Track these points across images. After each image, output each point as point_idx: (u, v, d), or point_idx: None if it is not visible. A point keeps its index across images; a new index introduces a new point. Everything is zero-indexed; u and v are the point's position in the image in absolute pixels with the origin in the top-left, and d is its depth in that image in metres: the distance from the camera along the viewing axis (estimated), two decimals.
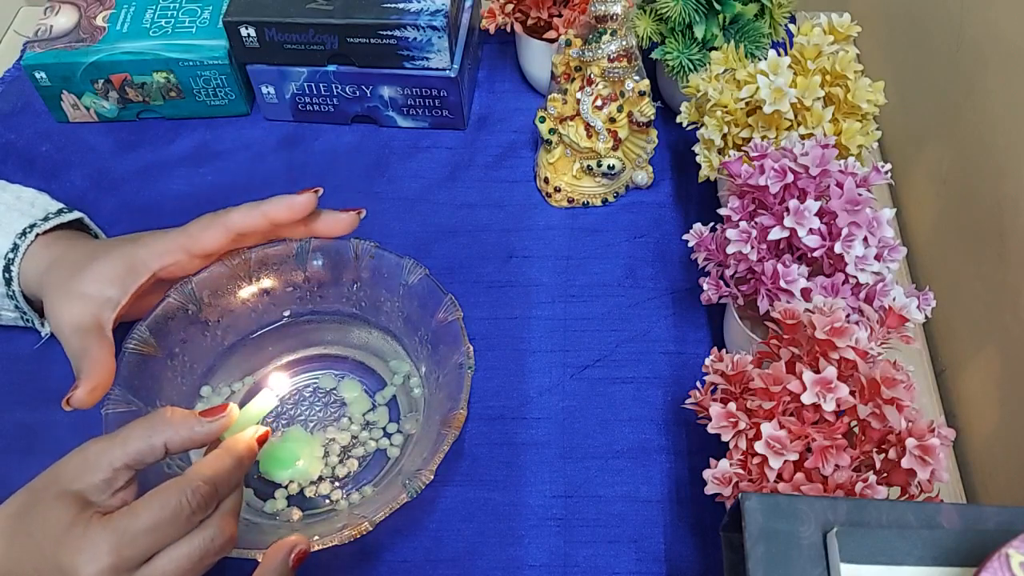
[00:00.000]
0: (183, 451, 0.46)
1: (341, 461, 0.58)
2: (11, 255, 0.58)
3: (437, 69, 0.73)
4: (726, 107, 0.60)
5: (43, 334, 0.63)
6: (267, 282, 0.62)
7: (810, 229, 0.51)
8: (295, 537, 0.47)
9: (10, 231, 0.59)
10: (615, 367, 0.64)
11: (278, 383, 0.52)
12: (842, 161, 0.54)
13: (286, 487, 0.57)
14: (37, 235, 0.59)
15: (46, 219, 0.60)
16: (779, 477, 0.46)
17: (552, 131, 0.70)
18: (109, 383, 0.53)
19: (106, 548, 0.40)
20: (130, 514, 0.41)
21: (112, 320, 0.55)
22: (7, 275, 0.58)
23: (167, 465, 0.53)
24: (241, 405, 0.49)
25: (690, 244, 0.59)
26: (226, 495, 0.45)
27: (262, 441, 0.48)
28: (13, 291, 0.59)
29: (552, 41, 0.74)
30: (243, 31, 0.72)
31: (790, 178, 0.53)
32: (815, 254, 0.52)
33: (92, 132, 0.79)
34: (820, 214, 0.52)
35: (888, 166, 0.55)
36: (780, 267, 0.52)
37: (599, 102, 0.67)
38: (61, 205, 0.63)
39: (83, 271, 0.56)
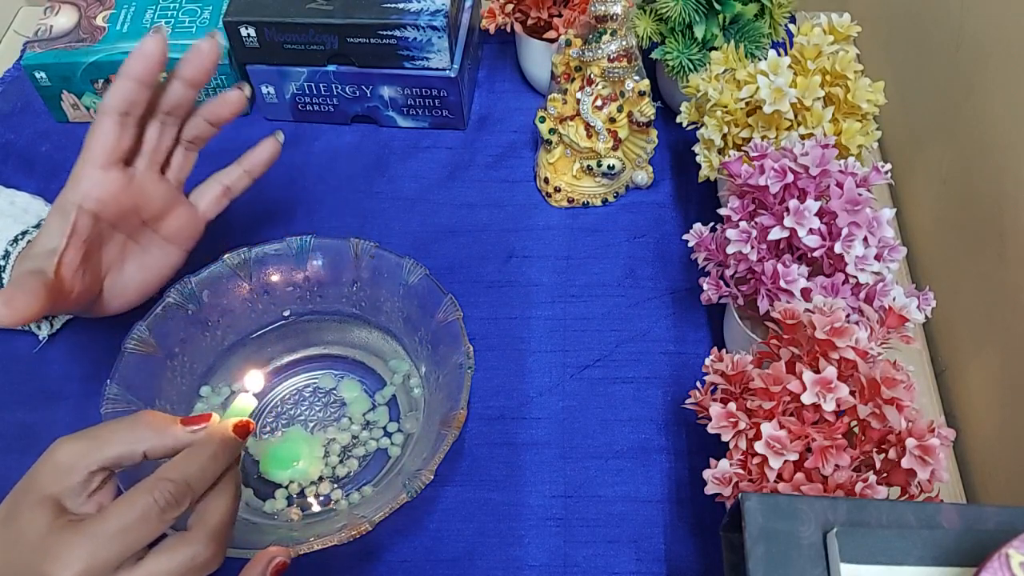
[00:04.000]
0: (163, 458, 0.45)
1: (341, 461, 0.58)
2: (2, 262, 0.58)
3: (437, 69, 0.73)
4: (726, 107, 0.60)
5: (40, 338, 0.63)
6: (267, 282, 0.62)
7: (810, 229, 0.51)
8: (275, 548, 0.45)
9: (2, 237, 0.58)
10: (615, 367, 0.64)
11: (253, 382, 0.50)
12: (842, 161, 0.54)
13: (286, 487, 0.57)
14: (29, 243, 0.58)
15: (39, 226, 0.60)
16: (779, 477, 0.46)
17: (552, 131, 0.70)
18: (34, 306, 0.49)
19: (79, 553, 0.39)
20: (100, 518, 0.40)
21: (52, 266, 0.51)
22: None
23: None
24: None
25: (690, 244, 0.59)
26: (202, 491, 0.42)
27: (242, 432, 0.45)
28: None
29: (552, 41, 0.74)
30: (243, 31, 0.72)
31: (790, 178, 0.53)
32: (815, 254, 0.52)
33: None
34: (820, 214, 0.52)
35: (888, 166, 0.55)
36: (780, 267, 0.52)
37: (599, 102, 0.67)
38: None
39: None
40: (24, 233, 0.59)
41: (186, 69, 0.55)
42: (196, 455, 0.43)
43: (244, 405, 0.48)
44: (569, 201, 0.72)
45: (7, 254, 0.58)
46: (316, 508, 0.56)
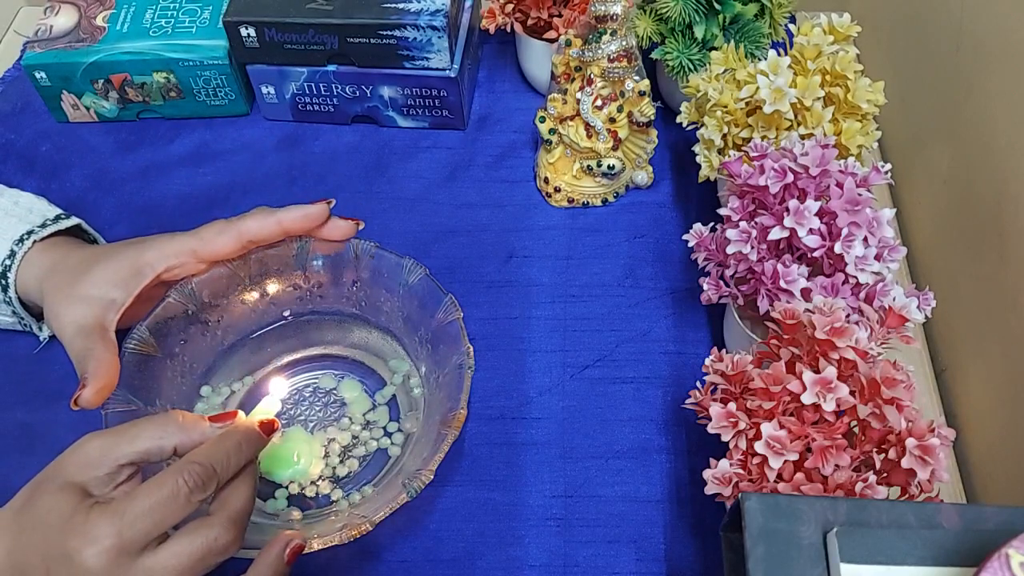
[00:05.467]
0: None
1: (341, 461, 0.58)
2: (8, 262, 0.58)
3: (437, 69, 0.73)
4: (726, 107, 0.60)
5: (41, 338, 0.63)
6: (267, 282, 0.62)
7: (810, 229, 0.51)
8: (290, 532, 0.47)
9: (7, 237, 0.58)
10: (615, 367, 0.64)
11: (278, 388, 0.53)
12: (842, 161, 0.54)
13: (286, 487, 0.57)
14: (35, 242, 0.59)
15: (43, 226, 0.60)
16: (779, 477, 0.46)
17: (552, 131, 0.70)
18: (115, 383, 0.53)
19: (107, 531, 0.40)
20: (129, 498, 0.41)
21: (115, 322, 0.55)
22: (3, 282, 0.58)
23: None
24: (242, 409, 0.50)
25: (690, 244, 0.59)
26: (226, 478, 0.44)
27: (267, 429, 0.48)
28: (10, 297, 0.59)
29: (552, 41, 0.74)
30: (243, 31, 0.72)
31: (790, 178, 0.53)
32: (815, 254, 0.52)
33: (92, 132, 0.79)
34: (820, 214, 0.52)
35: (888, 166, 0.55)
36: (780, 267, 0.52)
37: (599, 102, 0.67)
38: (59, 211, 0.63)
39: (86, 274, 0.55)
40: (29, 233, 0.59)
41: (288, 221, 0.58)
42: (222, 443, 0.45)
43: (267, 408, 0.50)
44: (569, 201, 0.72)
45: (12, 254, 0.58)
46: (316, 508, 0.56)
